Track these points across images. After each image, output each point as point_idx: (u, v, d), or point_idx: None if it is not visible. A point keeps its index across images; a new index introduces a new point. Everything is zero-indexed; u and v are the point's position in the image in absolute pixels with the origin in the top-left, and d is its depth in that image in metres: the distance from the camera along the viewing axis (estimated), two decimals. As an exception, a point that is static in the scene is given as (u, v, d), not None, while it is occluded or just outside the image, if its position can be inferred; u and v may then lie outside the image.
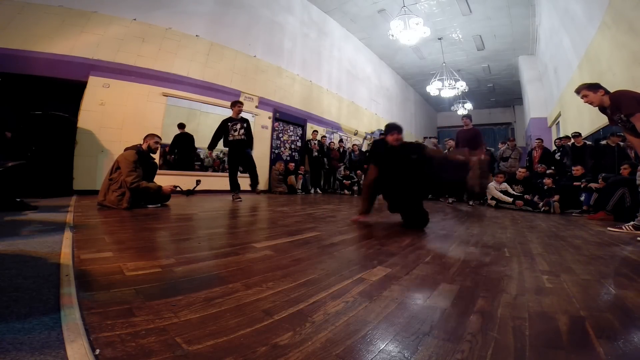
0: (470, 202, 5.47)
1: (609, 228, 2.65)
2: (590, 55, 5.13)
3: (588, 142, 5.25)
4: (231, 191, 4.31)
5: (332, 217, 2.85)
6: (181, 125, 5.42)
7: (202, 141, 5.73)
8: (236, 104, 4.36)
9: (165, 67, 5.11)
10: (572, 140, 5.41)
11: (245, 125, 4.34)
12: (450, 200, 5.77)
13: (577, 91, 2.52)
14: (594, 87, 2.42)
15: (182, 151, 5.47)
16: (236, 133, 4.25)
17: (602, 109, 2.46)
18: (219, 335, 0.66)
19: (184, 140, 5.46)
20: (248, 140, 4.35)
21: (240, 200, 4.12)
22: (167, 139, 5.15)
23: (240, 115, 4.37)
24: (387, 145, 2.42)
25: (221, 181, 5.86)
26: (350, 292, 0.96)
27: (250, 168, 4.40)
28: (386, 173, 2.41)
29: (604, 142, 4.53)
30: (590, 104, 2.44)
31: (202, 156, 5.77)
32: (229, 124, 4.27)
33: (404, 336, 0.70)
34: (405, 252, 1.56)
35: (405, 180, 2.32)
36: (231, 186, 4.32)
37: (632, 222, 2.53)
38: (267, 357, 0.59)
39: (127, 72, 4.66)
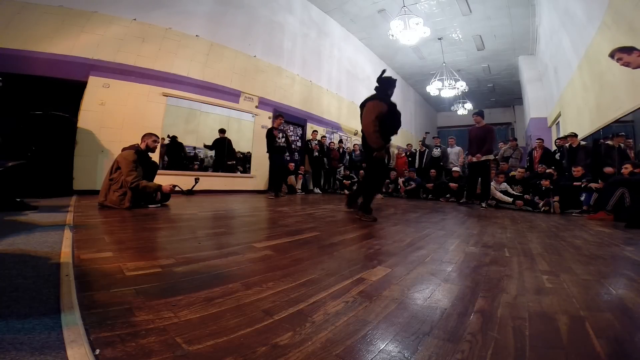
0: (483, 205, 4.79)
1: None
2: (590, 55, 5.12)
3: (583, 143, 5.25)
4: (273, 191, 5.17)
5: (332, 217, 2.84)
6: (222, 131, 5.99)
7: (201, 141, 5.74)
8: (279, 117, 5.36)
9: (165, 67, 5.11)
10: (570, 141, 5.41)
11: (284, 135, 5.34)
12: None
13: (612, 55, 2.42)
14: (628, 49, 2.28)
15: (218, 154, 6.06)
16: (280, 141, 5.21)
17: None
18: (219, 335, 0.66)
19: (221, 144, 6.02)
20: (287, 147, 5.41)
21: (281, 196, 5.19)
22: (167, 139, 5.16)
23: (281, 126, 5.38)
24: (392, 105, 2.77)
25: (220, 181, 5.88)
26: (350, 292, 0.96)
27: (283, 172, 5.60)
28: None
29: (610, 142, 4.52)
30: (625, 65, 2.34)
31: (201, 156, 5.78)
32: (275, 131, 5.14)
33: (404, 336, 0.70)
34: (405, 252, 1.56)
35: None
36: (274, 187, 5.24)
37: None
38: (267, 357, 0.59)
39: (127, 72, 4.65)
